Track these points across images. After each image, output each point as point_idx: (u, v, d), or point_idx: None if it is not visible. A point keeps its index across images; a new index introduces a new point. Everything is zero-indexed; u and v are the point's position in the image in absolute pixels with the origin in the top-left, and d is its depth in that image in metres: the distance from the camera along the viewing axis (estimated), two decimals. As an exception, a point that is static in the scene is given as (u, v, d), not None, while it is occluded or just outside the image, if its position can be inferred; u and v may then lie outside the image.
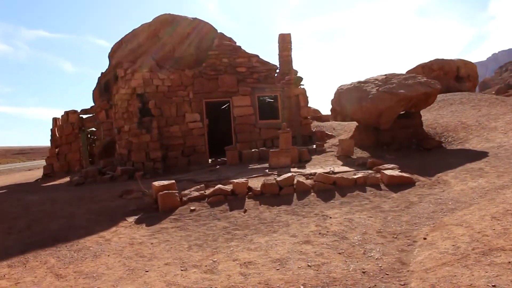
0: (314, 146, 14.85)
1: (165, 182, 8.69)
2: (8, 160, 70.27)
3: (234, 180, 8.99)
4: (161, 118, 16.11)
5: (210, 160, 16.52)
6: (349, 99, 14.36)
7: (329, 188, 8.89)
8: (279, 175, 10.31)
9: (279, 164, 11.87)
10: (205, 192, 8.72)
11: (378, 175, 9.45)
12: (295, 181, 9.06)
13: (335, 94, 15.08)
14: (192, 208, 8.03)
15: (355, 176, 9.33)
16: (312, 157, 13.52)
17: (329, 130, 18.04)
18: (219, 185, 8.89)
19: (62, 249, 6.46)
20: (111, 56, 19.40)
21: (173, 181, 8.86)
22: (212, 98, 16.64)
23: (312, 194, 8.68)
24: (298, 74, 17.89)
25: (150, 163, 15.56)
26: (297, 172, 10.75)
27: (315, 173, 10.36)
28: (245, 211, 7.81)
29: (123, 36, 18.76)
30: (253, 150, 14.76)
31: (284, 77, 17.53)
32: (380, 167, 10.25)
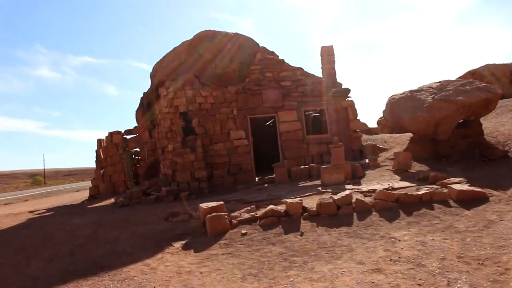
0: (367, 160, 13.94)
1: (213, 204, 8.09)
2: (58, 182, 72.63)
3: (287, 200, 8.27)
4: (205, 136, 15.66)
5: (257, 178, 15.88)
6: (402, 109, 13.44)
7: (392, 207, 8.05)
8: (334, 193, 9.53)
9: (332, 181, 11.08)
10: (256, 214, 8.05)
11: (445, 190, 8.51)
12: (353, 200, 8.25)
13: (387, 104, 14.18)
14: (243, 231, 7.36)
15: (419, 192, 8.43)
16: (366, 172, 12.65)
17: (380, 143, 17.05)
18: (271, 206, 8.20)
19: (105, 278, 5.93)
20: (152, 75, 19.28)
21: (222, 202, 8.24)
22: (257, 114, 16.08)
23: (374, 213, 7.86)
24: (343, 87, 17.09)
25: (196, 183, 15.08)
26: (352, 189, 9.93)
27: (373, 189, 9.55)
28: (301, 234, 7.08)
29: (163, 55, 18.60)
30: (302, 166, 14.01)
31: (329, 90, 16.77)
32: (445, 181, 9.30)
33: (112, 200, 17.34)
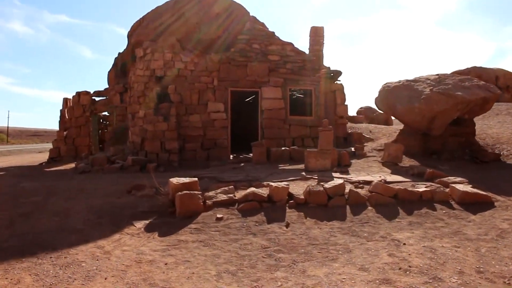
0: (353, 149, 13.01)
1: (186, 180, 6.94)
2: (21, 141, 69.77)
3: (272, 184, 7.19)
4: (181, 105, 14.41)
5: (231, 156, 14.79)
6: (397, 98, 12.50)
7: (389, 202, 7.11)
8: (320, 181, 8.54)
9: (317, 167, 10.08)
10: (235, 196, 6.95)
11: (447, 190, 7.62)
12: (346, 190, 7.27)
13: (380, 92, 13.21)
14: (219, 215, 6.27)
15: (420, 190, 7.51)
16: (352, 161, 11.69)
17: (365, 132, 16.18)
18: (252, 189, 7.11)
19: (45, 261, 4.76)
20: (130, 35, 17.73)
21: (195, 179, 7.09)
22: (239, 87, 14.89)
23: (370, 208, 6.90)
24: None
25: (165, 155, 13.87)
26: (340, 178, 8.95)
27: (364, 181, 8.62)
28: (287, 225, 6.05)
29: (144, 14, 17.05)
30: (283, 148, 12.95)
31: (317, 71, 15.69)
32: (445, 180, 8.42)
33: (73, 165, 15.97)
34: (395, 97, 12.64)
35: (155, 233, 5.77)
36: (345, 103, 15.36)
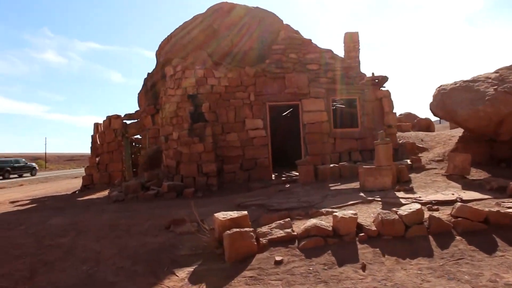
0: (409, 161, 11.68)
1: (233, 214, 5.82)
2: (59, 166, 70.88)
3: (337, 213, 5.98)
4: (216, 124, 13.43)
5: (273, 176, 13.69)
6: (457, 101, 11.14)
7: (480, 229, 5.80)
8: (386, 204, 7.32)
9: (376, 186, 8.83)
10: (294, 231, 5.79)
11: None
12: (425, 217, 6.01)
13: (435, 96, 11.86)
14: (277, 258, 5.11)
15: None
16: (410, 175, 10.39)
17: (416, 141, 14.77)
18: (314, 221, 5.92)
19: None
20: (158, 53, 17.01)
21: (245, 213, 5.94)
22: (277, 101, 13.81)
23: (458, 238, 5.61)
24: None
25: (203, 178, 12.87)
26: (407, 198, 7.70)
27: (436, 200, 7.36)
28: (363, 268, 4.84)
29: (172, 31, 16.27)
30: (332, 165, 11.76)
31: (361, 78, 14.46)
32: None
33: (106, 192, 15.22)
34: (453, 100, 11.27)
35: (202, 285, 4.67)
36: (393, 111, 14.03)
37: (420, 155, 13.21)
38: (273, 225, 5.98)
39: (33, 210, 11.75)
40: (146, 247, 6.11)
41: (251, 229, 5.52)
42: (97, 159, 18.72)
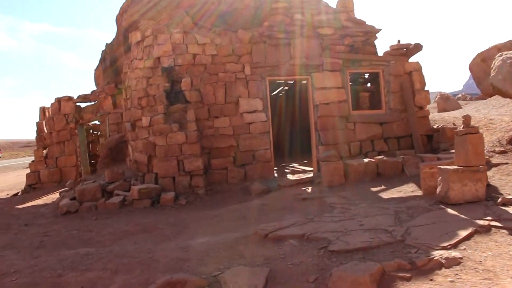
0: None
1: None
2: (13, 154, 65.89)
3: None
4: (201, 106, 10.15)
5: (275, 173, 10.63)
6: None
7: None
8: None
9: (466, 196, 5.85)
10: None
11: None
12: None
13: (500, 66, 8.98)
14: None
15: None
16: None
17: (449, 125, 11.97)
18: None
19: None
20: (119, 18, 13.38)
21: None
22: (280, 75, 10.64)
23: None
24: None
25: (185, 178, 9.61)
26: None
27: None
28: None
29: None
30: (366, 160, 8.77)
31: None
32: None
33: (57, 194, 11.72)
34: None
35: None
36: (425, 88, 11.12)
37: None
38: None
39: None
40: None
41: None
42: (44, 151, 14.96)
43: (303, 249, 4.49)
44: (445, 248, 4.11)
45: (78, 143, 14.65)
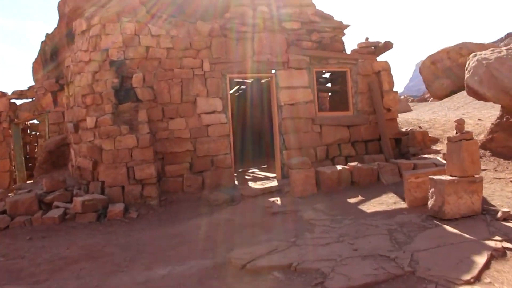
0: (439, 158, 8.30)
1: None
2: None
3: None
4: (155, 105, 9.07)
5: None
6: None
7: None
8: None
9: (461, 210, 5.20)
10: None
11: None
12: None
13: (476, 67, 8.45)
14: None
15: None
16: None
17: (414, 128, 11.52)
18: None
19: None
20: (62, 4, 11.98)
21: None
22: (242, 73, 9.73)
23: None
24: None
25: (136, 188, 8.51)
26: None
27: None
28: None
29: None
30: (339, 167, 8.02)
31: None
32: None
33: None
34: (506, 73, 7.97)
35: None
36: (394, 89, 10.58)
37: (433, 147, 9.93)
38: None
39: None
40: None
41: None
42: (-28, 154, 13.28)
43: (293, 285, 3.61)
44: (468, 282, 3.39)
45: (13, 145, 13.07)
